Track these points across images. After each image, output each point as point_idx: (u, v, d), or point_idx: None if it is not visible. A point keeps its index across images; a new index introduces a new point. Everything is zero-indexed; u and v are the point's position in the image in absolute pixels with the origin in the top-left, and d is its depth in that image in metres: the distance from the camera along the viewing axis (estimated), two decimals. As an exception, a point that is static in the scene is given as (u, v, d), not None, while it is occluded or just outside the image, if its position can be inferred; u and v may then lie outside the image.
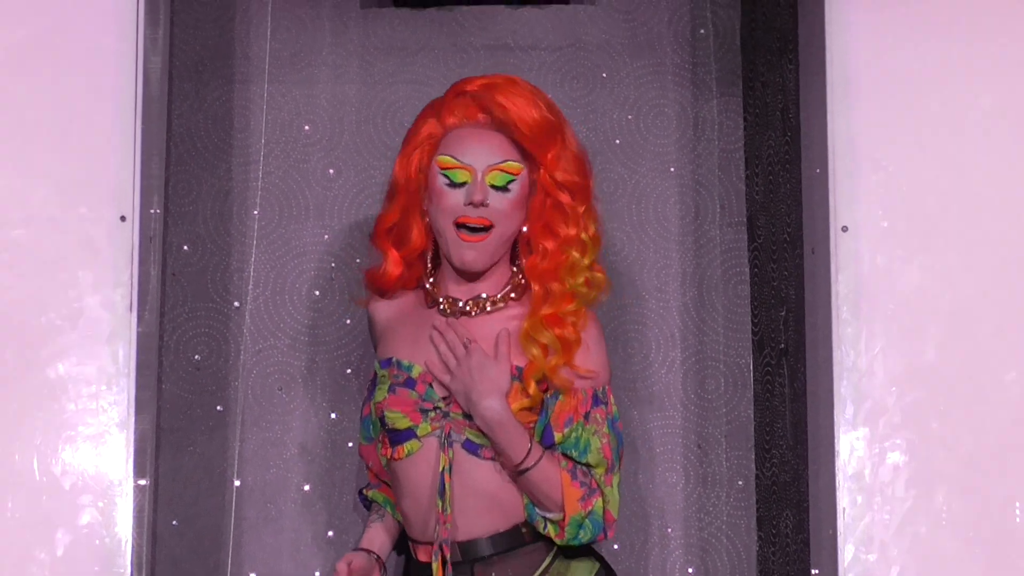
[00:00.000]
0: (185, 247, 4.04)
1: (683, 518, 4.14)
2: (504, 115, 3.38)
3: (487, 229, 3.38)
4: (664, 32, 4.30)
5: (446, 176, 3.40)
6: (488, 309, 3.44)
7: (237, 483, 4.05)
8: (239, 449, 4.08)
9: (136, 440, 3.28)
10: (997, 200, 3.52)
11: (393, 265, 3.49)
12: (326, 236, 4.09)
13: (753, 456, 4.06)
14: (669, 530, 4.13)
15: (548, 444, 3.40)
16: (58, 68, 3.43)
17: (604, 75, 4.21)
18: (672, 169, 4.18)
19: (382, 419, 3.42)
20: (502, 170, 3.39)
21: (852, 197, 3.44)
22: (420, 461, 3.38)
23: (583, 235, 3.43)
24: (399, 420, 3.36)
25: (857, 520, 3.35)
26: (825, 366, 3.42)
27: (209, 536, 4.04)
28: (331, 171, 4.11)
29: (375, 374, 3.51)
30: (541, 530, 3.39)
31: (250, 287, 4.11)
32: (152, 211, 3.44)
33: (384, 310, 3.55)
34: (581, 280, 3.45)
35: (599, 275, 3.48)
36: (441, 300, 3.43)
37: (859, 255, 3.41)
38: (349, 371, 4.11)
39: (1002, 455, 3.41)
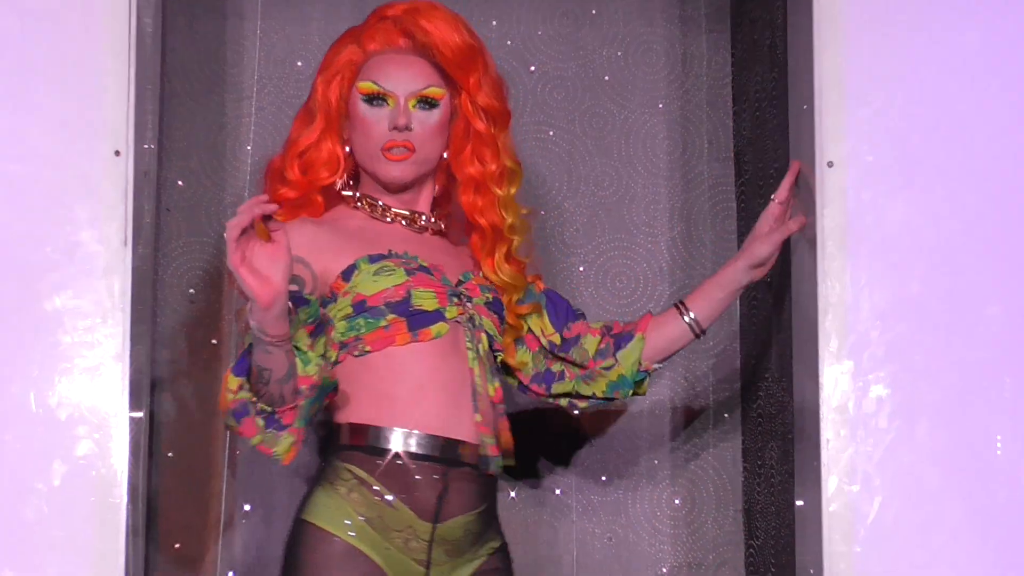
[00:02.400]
0: (179, 182, 4.05)
1: (670, 450, 4.16)
2: (427, 39, 3.37)
3: (409, 150, 3.36)
4: (653, -33, 4.47)
5: (367, 101, 3.40)
6: (438, 230, 3.47)
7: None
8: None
9: (131, 372, 3.27)
10: (983, 136, 3.49)
11: (294, 188, 3.44)
12: None
13: (739, 389, 4.10)
14: (656, 462, 4.15)
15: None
16: (52, 3, 3.35)
17: (593, 12, 4.22)
18: (660, 105, 4.22)
19: (403, 301, 3.32)
20: (425, 95, 3.39)
21: (838, 133, 3.40)
22: (441, 346, 3.37)
23: (508, 162, 3.46)
24: (428, 301, 3.33)
25: (840, 452, 3.35)
26: (810, 300, 3.42)
27: (204, 467, 4.10)
28: None
29: (347, 275, 3.35)
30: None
31: None
32: (146, 146, 3.40)
33: (321, 226, 3.42)
34: (511, 212, 3.50)
35: (524, 209, 3.53)
36: (398, 212, 3.42)
37: (845, 190, 3.38)
38: None
39: (984, 388, 3.42)
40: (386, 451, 3.28)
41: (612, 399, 3.64)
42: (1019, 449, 3.49)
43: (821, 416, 3.35)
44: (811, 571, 3.44)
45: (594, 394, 3.61)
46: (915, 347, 3.40)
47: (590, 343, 3.60)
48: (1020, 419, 3.49)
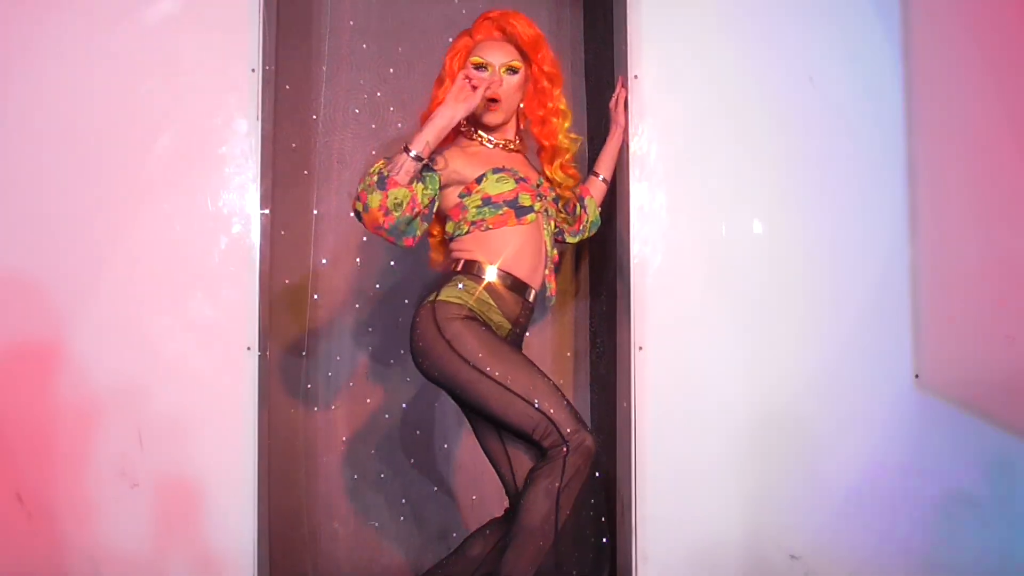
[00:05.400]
0: (287, 86, 4.95)
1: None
2: (513, 31, 4.08)
3: (499, 101, 4.04)
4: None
5: (477, 68, 4.05)
6: (518, 149, 4.13)
7: (316, 211, 5.01)
8: (317, 192, 5.01)
9: (261, 191, 4.25)
10: (746, 59, 4.47)
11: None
12: (362, 80, 5.03)
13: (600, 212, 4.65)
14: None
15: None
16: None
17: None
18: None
19: (514, 200, 3.98)
20: (510, 66, 4.08)
21: (639, 59, 4.40)
22: (532, 227, 4.07)
23: (560, 106, 4.16)
24: (526, 199, 4.03)
25: (639, 230, 4.40)
26: (625, 153, 4.41)
27: (301, 233, 4.97)
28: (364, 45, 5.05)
29: (479, 180, 3.96)
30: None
31: (322, 102, 5.02)
32: (267, 67, 4.33)
33: (460, 150, 4.07)
34: (566, 138, 4.18)
35: (573, 135, 4.19)
36: (496, 141, 4.09)
37: (644, 93, 4.37)
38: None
39: (720, 199, 4.46)
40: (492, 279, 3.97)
41: (591, 234, 4.48)
42: (739, 229, 4.46)
43: (630, 211, 4.40)
44: (627, 265, 4.38)
45: (581, 232, 4.43)
46: (680, 174, 4.42)
47: (577, 210, 4.41)
48: (743, 213, 4.45)
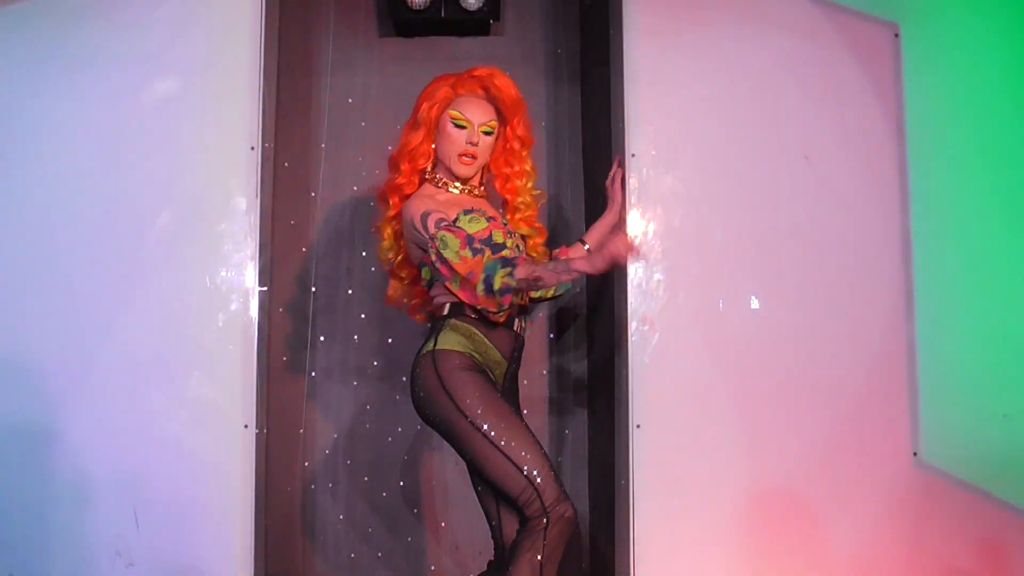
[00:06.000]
0: (285, 164, 5.04)
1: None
2: (496, 93, 4.21)
3: (474, 158, 4.18)
4: (539, 51, 5.30)
5: (456, 124, 4.18)
6: (482, 195, 4.21)
7: (314, 288, 5.05)
8: (315, 268, 5.07)
9: (260, 268, 4.29)
10: (731, 134, 4.47)
11: (408, 177, 4.19)
12: (361, 157, 5.14)
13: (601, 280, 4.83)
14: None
15: None
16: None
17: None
18: (543, 123, 5.23)
19: (488, 239, 4.03)
20: (488, 127, 4.20)
21: (636, 138, 4.42)
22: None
23: (527, 167, 4.31)
24: (499, 236, 4.11)
25: (637, 308, 4.40)
26: (623, 230, 4.37)
27: (299, 310, 5.02)
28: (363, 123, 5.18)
29: (452, 218, 4.01)
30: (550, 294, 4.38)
31: (320, 180, 5.15)
32: (266, 145, 4.38)
33: (433, 199, 4.15)
34: (529, 197, 4.32)
35: (536, 192, 4.33)
36: (464, 188, 4.18)
37: (641, 170, 4.40)
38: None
39: (717, 276, 4.43)
40: (481, 319, 4.02)
41: (559, 295, 4.50)
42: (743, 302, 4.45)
43: (628, 288, 4.40)
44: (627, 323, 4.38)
45: (547, 295, 4.45)
46: (677, 251, 4.42)
47: None
48: (742, 287, 4.43)
